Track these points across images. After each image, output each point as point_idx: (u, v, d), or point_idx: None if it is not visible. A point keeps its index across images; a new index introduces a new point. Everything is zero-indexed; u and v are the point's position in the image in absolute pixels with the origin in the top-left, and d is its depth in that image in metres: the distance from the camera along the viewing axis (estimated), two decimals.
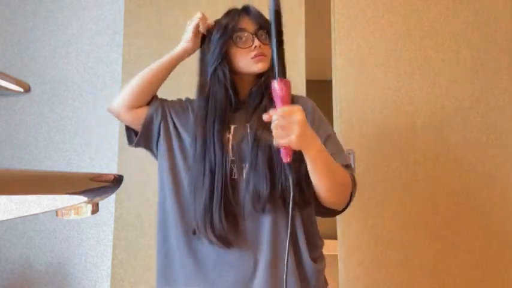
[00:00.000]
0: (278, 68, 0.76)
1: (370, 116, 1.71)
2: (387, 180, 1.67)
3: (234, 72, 0.95)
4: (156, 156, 1.01)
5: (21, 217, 0.29)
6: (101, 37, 1.92)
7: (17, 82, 0.70)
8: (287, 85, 0.74)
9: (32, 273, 1.78)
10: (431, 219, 1.66)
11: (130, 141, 1.01)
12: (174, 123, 0.98)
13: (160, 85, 1.01)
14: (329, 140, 0.92)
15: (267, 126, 0.79)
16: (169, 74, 1.00)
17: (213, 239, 0.87)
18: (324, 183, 0.81)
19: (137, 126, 0.98)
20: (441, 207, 1.66)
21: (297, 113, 0.72)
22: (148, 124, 0.97)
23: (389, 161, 1.68)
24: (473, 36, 1.77)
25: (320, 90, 3.53)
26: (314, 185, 0.83)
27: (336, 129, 1.71)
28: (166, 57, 0.98)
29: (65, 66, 1.90)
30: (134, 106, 0.97)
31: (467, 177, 1.69)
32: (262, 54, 0.92)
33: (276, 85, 0.75)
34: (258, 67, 0.92)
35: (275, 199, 0.86)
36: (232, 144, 0.91)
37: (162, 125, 0.98)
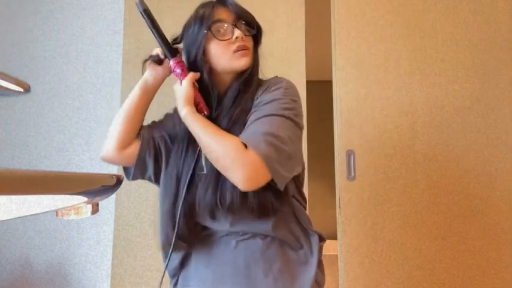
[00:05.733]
0: (167, 51, 0.85)
1: (370, 116, 1.71)
2: (387, 180, 1.67)
3: (212, 72, 0.86)
4: (157, 182, 0.94)
5: (21, 217, 0.29)
6: (101, 37, 1.91)
7: (17, 82, 0.71)
8: (179, 63, 0.85)
9: (32, 273, 1.78)
10: (431, 219, 1.66)
11: (128, 177, 0.95)
12: (169, 143, 0.93)
13: (144, 115, 0.93)
14: (263, 118, 0.78)
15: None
16: (148, 104, 0.92)
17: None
18: (200, 142, 0.79)
19: (132, 164, 0.92)
20: (441, 207, 1.66)
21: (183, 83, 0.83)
22: (142, 159, 0.91)
23: (389, 161, 1.68)
24: (473, 36, 1.77)
25: (320, 91, 3.54)
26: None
27: (336, 129, 1.71)
28: (136, 91, 0.91)
29: (65, 66, 1.90)
30: (124, 146, 0.90)
31: (467, 177, 1.69)
32: (245, 48, 0.83)
33: (171, 63, 0.86)
34: (240, 63, 0.83)
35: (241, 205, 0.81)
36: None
37: (159, 152, 0.92)
